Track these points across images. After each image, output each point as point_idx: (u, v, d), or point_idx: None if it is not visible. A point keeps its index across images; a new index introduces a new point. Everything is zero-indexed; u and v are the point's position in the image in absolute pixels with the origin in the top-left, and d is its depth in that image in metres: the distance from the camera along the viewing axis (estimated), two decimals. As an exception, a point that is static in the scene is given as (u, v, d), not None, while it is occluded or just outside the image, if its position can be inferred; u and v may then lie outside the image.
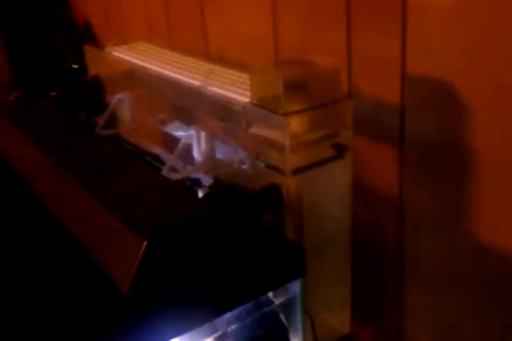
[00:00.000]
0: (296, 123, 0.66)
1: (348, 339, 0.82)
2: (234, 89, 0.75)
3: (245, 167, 0.75)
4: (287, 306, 0.67)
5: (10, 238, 0.67)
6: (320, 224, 0.75)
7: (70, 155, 0.77)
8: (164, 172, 0.77)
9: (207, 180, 0.78)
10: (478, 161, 0.72)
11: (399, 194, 0.84)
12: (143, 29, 1.40)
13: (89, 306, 0.54)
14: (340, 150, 0.71)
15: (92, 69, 1.06)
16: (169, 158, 0.79)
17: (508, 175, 0.70)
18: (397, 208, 0.85)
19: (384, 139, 0.83)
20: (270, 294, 0.66)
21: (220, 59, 1.06)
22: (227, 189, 0.72)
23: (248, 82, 0.72)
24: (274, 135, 0.67)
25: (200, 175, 0.79)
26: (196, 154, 0.80)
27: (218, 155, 0.80)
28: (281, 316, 0.67)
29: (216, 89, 0.78)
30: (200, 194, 0.71)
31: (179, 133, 0.87)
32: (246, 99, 0.71)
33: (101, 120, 0.93)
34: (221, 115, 0.76)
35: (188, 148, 0.81)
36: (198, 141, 0.78)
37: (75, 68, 1.38)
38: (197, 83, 0.81)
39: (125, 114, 0.96)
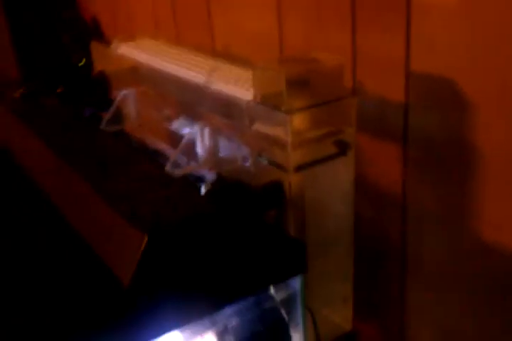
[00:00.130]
0: (299, 121, 0.66)
1: (351, 335, 0.83)
2: (238, 86, 0.75)
3: (248, 164, 0.75)
4: (288, 302, 0.67)
5: (12, 231, 0.68)
6: (322, 221, 0.75)
7: (74, 151, 0.78)
8: (168, 168, 0.77)
9: (210, 176, 0.78)
10: (482, 159, 0.72)
11: (402, 191, 0.84)
12: (150, 26, 1.40)
13: (90, 299, 0.55)
14: (343, 148, 0.71)
15: (98, 66, 1.07)
16: (173, 154, 0.79)
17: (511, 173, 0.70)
18: (401, 206, 0.85)
19: (388, 137, 0.83)
20: (271, 290, 0.66)
21: (226, 56, 1.06)
22: (230, 185, 0.72)
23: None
24: (276, 132, 0.67)
25: (204, 172, 0.79)
26: (200, 150, 0.80)
27: (222, 152, 0.80)
28: (282, 312, 0.67)
29: (220, 86, 0.78)
30: (203, 190, 0.72)
31: (184, 130, 0.87)
32: (249, 96, 0.72)
33: (106, 116, 0.94)
34: (224, 112, 0.76)
35: (192, 144, 0.81)
36: (202, 137, 0.79)
37: (82, 65, 1.39)
38: (201, 80, 0.81)
39: (130, 110, 0.97)
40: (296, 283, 0.65)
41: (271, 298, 0.66)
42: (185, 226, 0.58)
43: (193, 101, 0.85)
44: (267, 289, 0.65)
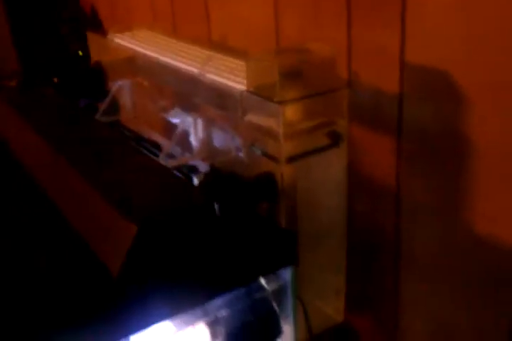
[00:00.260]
0: (291, 111, 0.66)
1: (342, 327, 0.83)
2: (231, 76, 0.75)
3: (242, 154, 0.75)
4: (279, 293, 0.67)
5: (3, 219, 0.68)
6: (315, 213, 0.75)
7: (68, 141, 0.78)
8: (161, 158, 0.77)
9: (204, 167, 0.78)
10: (476, 152, 0.72)
11: (396, 184, 0.84)
12: (148, 17, 1.40)
13: (80, 289, 0.55)
14: (335, 139, 0.71)
15: (95, 56, 1.07)
16: (166, 146, 0.79)
17: (506, 165, 0.69)
18: (394, 198, 0.85)
19: (382, 128, 0.83)
20: (262, 281, 0.66)
21: (222, 47, 1.06)
22: (223, 176, 0.72)
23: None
24: (269, 123, 0.67)
25: (197, 162, 0.79)
26: (193, 141, 0.80)
27: (216, 143, 0.80)
28: (273, 303, 0.67)
29: (214, 77, 0.78)
30: (196, 181, 0.72)
31: (179, 121, 0.87)
32: (243, 87, 0.71)
33: (101, 106, 0.94)
34: (218, 102, 0.76)
35: (186, 135, 0.81)
36: (195, 129, 0.79)
37: (81, 56, 1.38)
38: (196, 70, 0.81)
39: (126, 100, 0.97)
40: (287, 274, 0.65)
41: (262, 289, 0.66)
42: (176, 217, 0.58)
43: (188, 92, 0.85)
44: (258, 280, 0.65)
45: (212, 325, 0.66)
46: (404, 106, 0.79)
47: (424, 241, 0.84)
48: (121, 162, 0.71)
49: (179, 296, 0.58)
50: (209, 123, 0.78)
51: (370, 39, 0.81)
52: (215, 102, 0.77)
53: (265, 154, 0.70)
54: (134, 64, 0.97)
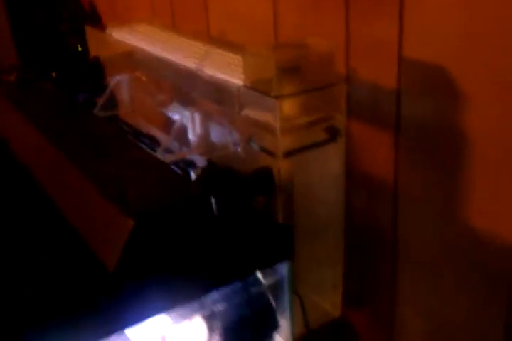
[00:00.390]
0: (288, 107, 0.66)
1: (339, 322, 0.83)
2: (229, 71, 0.75)
3: (239, 149, 0.75)
4: (276, 288, 0.67)
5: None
6: (312, 208, 0.75)
7: (66, 136, 0.78)
8: (159, 153, 0.77)
9: (201, 162, 0.78)
10: (474, 147, 0.72)
11: (394, 179, 0.84)
12: (147, 12, 1.39)
13: (76, 283, 0.55)
14: (333, 134, 0.71)
15: (94, 51, 1.07)
16: (164, 140, 0.79)
17: (503, 161, 0.69)
18: (392, 193, 0.85)
19: (380, 124, 0.83)
20: (259, 275, 0.66)
21: (220, 42, 1.06)
22: (220, 171, 0.72)
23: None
24: (266, 118, 0.67)
25: (195, 157, 0.79)
26: (191, 136, 0.80)
27: (213, 138, 0.80)
28: (270, 297, 0.67)
29: (212, 71, 0.78)
30: (193, 175, 0.72)
31: (177, 115, 0.87)
32: (240, 82, 0.71)
33: (100, 101, 0.94)
34: (216, 97, 0.76)
35: (184, 129, 0.81)
36: (193, 123, 0.79)
37: (80, 51, 1.38)
38: (194, 65, 0.81)
39: (124, 95, 0.97)
40: (284, 268, 0.65)
41: (259, 283, 0.66)
42: (172, 212, 0.58)
43: (186, 87, 0.85)
44: (254, 274, 0.65)
45: (208, 319, 0.66)
46: (403, 102, 0.79)
47: (422, 237, 0.84)
48: (118, 156, 0.71)
49: (175, 290, 0.58)
50: (207, 118, 0.78)
51: (368, 34, 0.81)
52: (213, 97, 0.77)
53: (262, 149, 0.70)
54: (132, 58, 0.97)
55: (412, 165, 0.81)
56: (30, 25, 1.77)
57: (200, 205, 0.60)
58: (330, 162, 0.73)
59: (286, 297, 0.68)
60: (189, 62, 0.82)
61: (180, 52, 0.87)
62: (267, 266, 0.64)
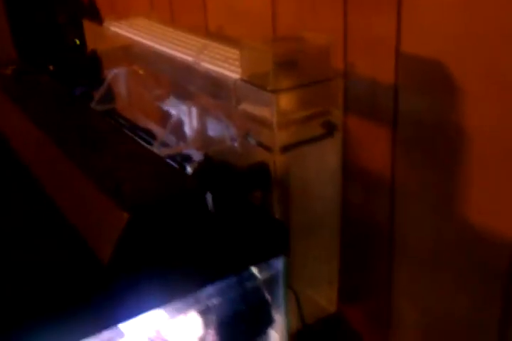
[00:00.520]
0: (285, 101, 0.66)
1: (335, 318, 0.83)
2: (226, 65, 0.75)
3: (236, 144, 0.75)
4: (271, 283, 0.67)
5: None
6: (308, 203, 0.75)
7: (62, 129, 0.77)
8: (156, 147, 0.77)
9: (197, 156, 0.78)
10: (471, 143, 0.72)
11: (391, 175, 0.84)
12: (145, 6, 1.39)
13: (71, 277, 0.55)
14: (330, 129, 0.71)
15: (91, 44, 1.06)
16: (160, 134, 0.79)
17: (500, 156, 0.69)
18: (389, 188, 0.85)
19: (377, 119, 0.82)
20: (254, 270, 0.66)
21: (218, 36, 1.06)
22: (216, 165, 0.72)
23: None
24: (263, 112, 0.67)
25: (191, 151, 0.79)
26: (188, 130, 0.80)
27: (210, 132, 0.80)
28: (265, 292, 0.67)
29: (209, 65, 0.77)
30: (189, 170, 0.72)
31: (174, 109, 0.87)
32: (237, 76, 0.71)
33: (97, 95, 0.94)
34: (213, 91, 0.76)
35: (181, 124, 0.81)
36: (190, 117, 0.78)
37: (77, 44, 1.38)
38: (191, 58, 0.81)
39: (121, 89, 0.96)
40: (279, 263, 0.65)
41: (254, 278, 0.66)
42: (167, 205, 0.58)
43: (183, 81, 0.85)
44: (250, 269, 0.65)
45: (204, 314, 0.66)
46: (400, 97, 0.79)
47: (419, 232, 0.84)
48: (114, 150, 0.71)
49: (171, 284, 0.58)
50: (203, 112, 0.78)
51: (366, 29, 0.80)
52: (210, 91, 0.77)
53: (259, 143, 0.70)
54: (129, 52, 0.96)
55: (409, 161, 0.81)
56: (28, 19, 1.76)
57: (196, 199, 0.59)
58: (326, 157, 0.73)
59: (281, 292, 0.67)
60: (187, 56, 0.82)
61: (177, 46, 0.86)
62: (262, 260, 0.64)
